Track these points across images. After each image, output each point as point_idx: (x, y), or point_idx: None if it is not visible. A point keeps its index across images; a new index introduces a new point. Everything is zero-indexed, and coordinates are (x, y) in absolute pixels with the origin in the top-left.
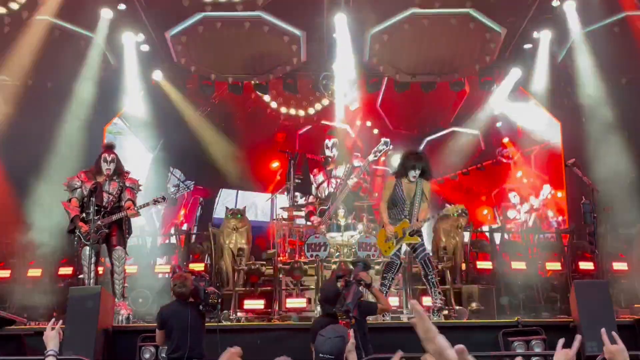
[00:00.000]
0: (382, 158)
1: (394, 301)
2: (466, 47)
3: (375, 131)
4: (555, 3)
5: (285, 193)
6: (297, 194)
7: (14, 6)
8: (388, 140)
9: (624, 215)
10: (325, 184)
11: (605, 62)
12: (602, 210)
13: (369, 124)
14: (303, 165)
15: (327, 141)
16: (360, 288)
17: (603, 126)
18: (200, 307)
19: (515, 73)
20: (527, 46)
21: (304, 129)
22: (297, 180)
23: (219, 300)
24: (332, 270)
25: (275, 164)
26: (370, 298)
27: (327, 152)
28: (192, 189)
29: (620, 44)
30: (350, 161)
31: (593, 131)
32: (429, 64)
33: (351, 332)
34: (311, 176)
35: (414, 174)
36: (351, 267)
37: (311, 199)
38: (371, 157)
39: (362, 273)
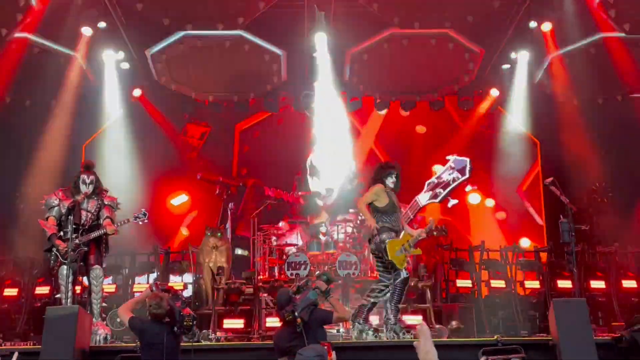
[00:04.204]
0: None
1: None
2: (445, 67)
3: None
4: (532, 24)
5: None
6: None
7: None
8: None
9: (602, 234)
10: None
11: (582, 82)
12: (580, 228)
13: None
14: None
15: (310, 159)
16: (316, 298)
17: (580, 146)
18: (175, 328)
19: (493, 93)
20: (506, 66)
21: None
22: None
23: (194, 323)
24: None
25: (178, 200)
26: None
27: (311, 184)
28: None
29: (596, 65)
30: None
31: (570, 151)
32: (409, 83)
33: (333, 353)
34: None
35: (392, 179)
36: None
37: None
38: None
39: (319, 281)
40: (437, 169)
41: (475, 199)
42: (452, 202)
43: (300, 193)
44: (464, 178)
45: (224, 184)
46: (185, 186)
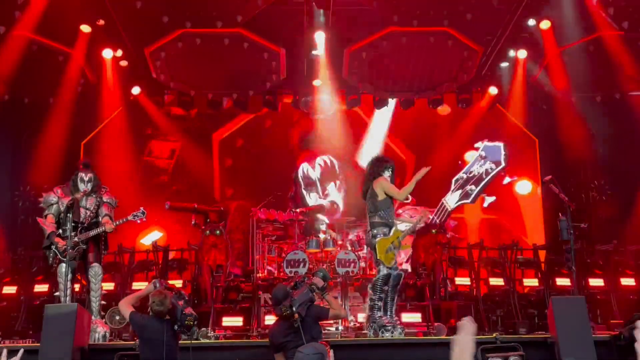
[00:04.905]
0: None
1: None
2: (444, 65)
3: None
4: (531, 22)
5: None
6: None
7: None
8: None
9: (600, 232)
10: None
11: (580, 80)
12: (579, 226)
13: None
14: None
15: (302, 168)
16: (313, 294)
17: (578, 144)
18: (175, 326)
19: (492, 91)
20: (504, 64)
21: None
22: None
23: (195, 322)
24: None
25: (150, 238)
26: None
27: (309, 199)
28: None
29: (594, 63)
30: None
31: (569, 149)
32: (407, 81)
33: (331, 352)
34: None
35: (388, 173)
36: None
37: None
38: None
39: (316, 278)
40: (470, 157)
41: (524, 189)
42: (488, 200)
43: (298, 210)
44: (499, 168)
45: (200, 211)
46: (156, 219)
